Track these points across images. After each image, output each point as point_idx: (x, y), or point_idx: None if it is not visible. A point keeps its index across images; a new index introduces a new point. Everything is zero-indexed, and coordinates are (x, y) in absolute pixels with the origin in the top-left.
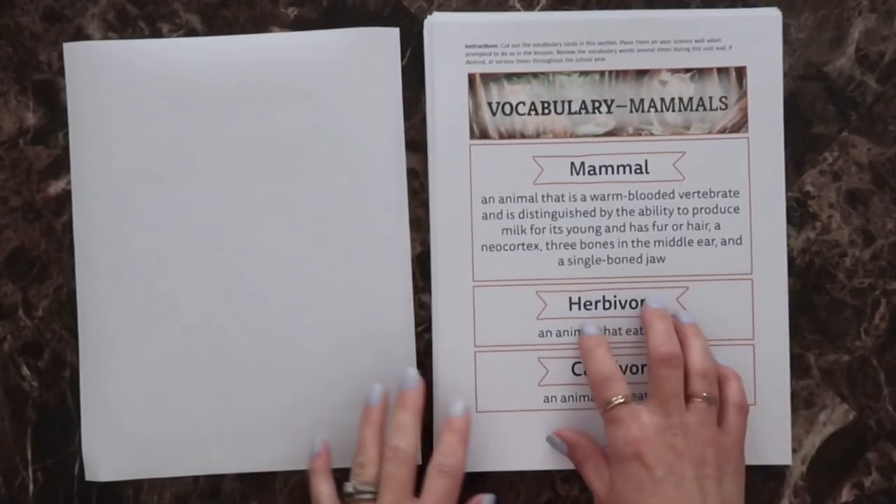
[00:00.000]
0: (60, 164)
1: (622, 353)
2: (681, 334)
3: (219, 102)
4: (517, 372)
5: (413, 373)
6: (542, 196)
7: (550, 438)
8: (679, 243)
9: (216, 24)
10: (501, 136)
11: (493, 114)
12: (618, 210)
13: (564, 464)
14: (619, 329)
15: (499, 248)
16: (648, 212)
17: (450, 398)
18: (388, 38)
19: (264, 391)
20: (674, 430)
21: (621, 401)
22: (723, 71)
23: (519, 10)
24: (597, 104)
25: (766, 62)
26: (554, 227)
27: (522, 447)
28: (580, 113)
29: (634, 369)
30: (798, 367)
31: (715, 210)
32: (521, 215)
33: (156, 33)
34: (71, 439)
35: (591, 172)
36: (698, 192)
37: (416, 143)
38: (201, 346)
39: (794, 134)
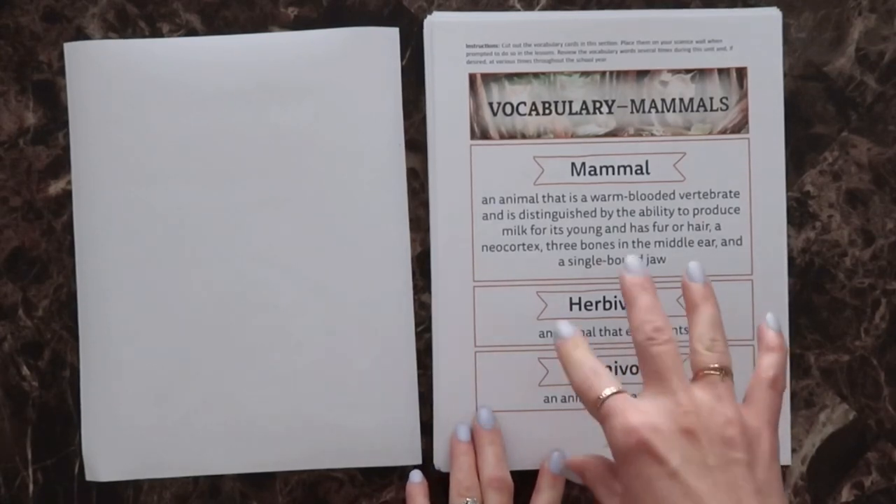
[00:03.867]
0: (60, 164)
1: (622, 353)
2: (687, 299)
3: (219, 102)
4: (517, 372)
5: (487, 413)
6: (543, 196)
7: (564, 471)
8: (679, 244)
9: (216, 24)
10: (502, 137)
11: (494, 114)
12: (618, 211)
13: None
14: (620, 330)
15: (499, 248)
16: (649, 212)
17: (450, 398)
18: (388, 38)
19: (264, 391)
20: (683, 408)
21: (613, 391)
22: (723, 72)
23: (519, 10)
24: (598, 104)
25: (767, 62)
26: (554, 228)
27: (522, 447)
28: (581, 113)
29: (635, 370)
30: (798, 367)
31: (715, 211)
32: (522, 216)
33: (156, 33)
34: (71, 439)
35: (592, 173)
36: (699, 193)
37: (416, 143)
38: (201, 346)
39: (794, 134)
